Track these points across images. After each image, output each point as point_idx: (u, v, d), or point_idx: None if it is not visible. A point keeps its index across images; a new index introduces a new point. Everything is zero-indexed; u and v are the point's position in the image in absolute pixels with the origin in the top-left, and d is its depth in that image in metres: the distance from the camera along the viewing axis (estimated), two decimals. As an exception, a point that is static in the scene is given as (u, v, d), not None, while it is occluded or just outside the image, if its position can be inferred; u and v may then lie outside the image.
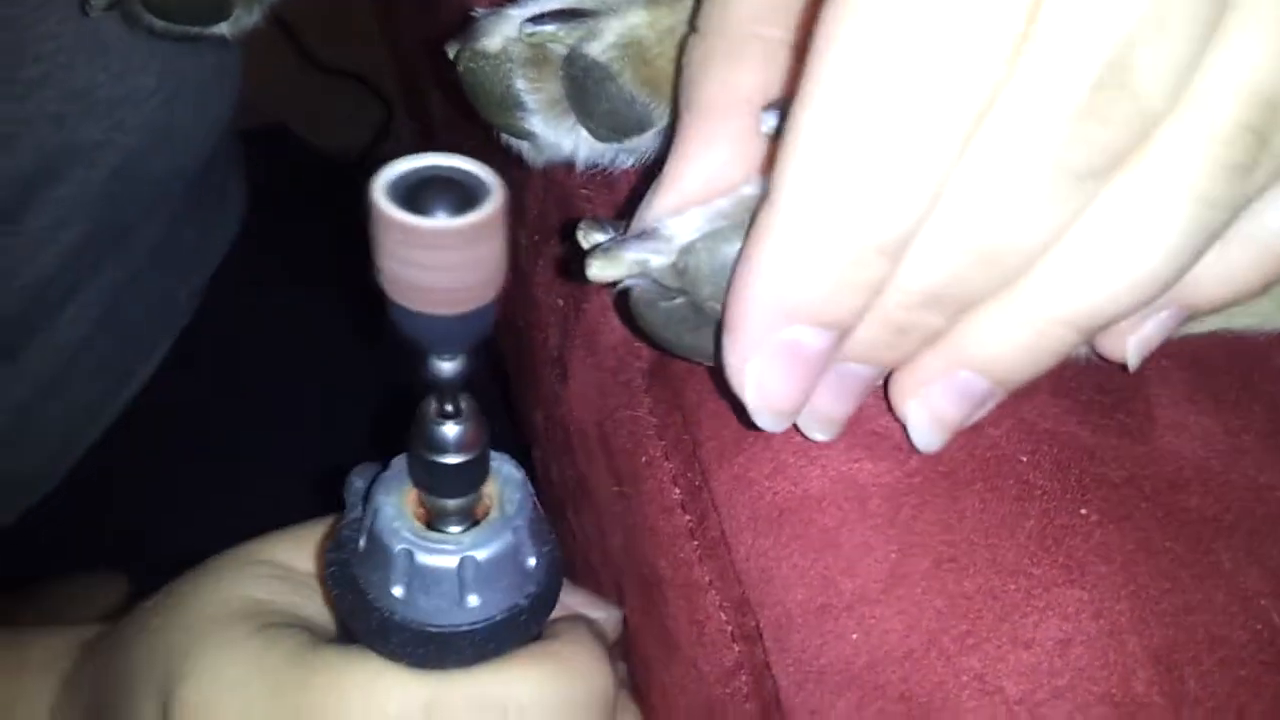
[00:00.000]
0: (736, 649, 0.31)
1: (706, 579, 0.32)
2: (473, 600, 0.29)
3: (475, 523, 0.29)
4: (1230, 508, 0.28)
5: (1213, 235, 0.23)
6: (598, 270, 0.27)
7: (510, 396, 0.56)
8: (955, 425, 0.27)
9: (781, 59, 0.27)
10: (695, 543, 0.32)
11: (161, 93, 0.55)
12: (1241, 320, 0.31)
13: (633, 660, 0.38)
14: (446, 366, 0.24)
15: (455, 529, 0.29)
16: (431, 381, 0.25)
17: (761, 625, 0.30)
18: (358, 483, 0.31)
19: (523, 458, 0.50)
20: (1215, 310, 0.26)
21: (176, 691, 0.31)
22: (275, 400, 0.69)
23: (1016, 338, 0.25)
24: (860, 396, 0.27)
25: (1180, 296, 0.25)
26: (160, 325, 0.68)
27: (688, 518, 0.33)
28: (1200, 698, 0.26)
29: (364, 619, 0.30)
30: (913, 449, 0.29)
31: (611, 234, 0.28)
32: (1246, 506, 0.28)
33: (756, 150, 0.27)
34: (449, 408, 0.26)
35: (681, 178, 0.27)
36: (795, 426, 0.30)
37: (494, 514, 0.29)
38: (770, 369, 0.25)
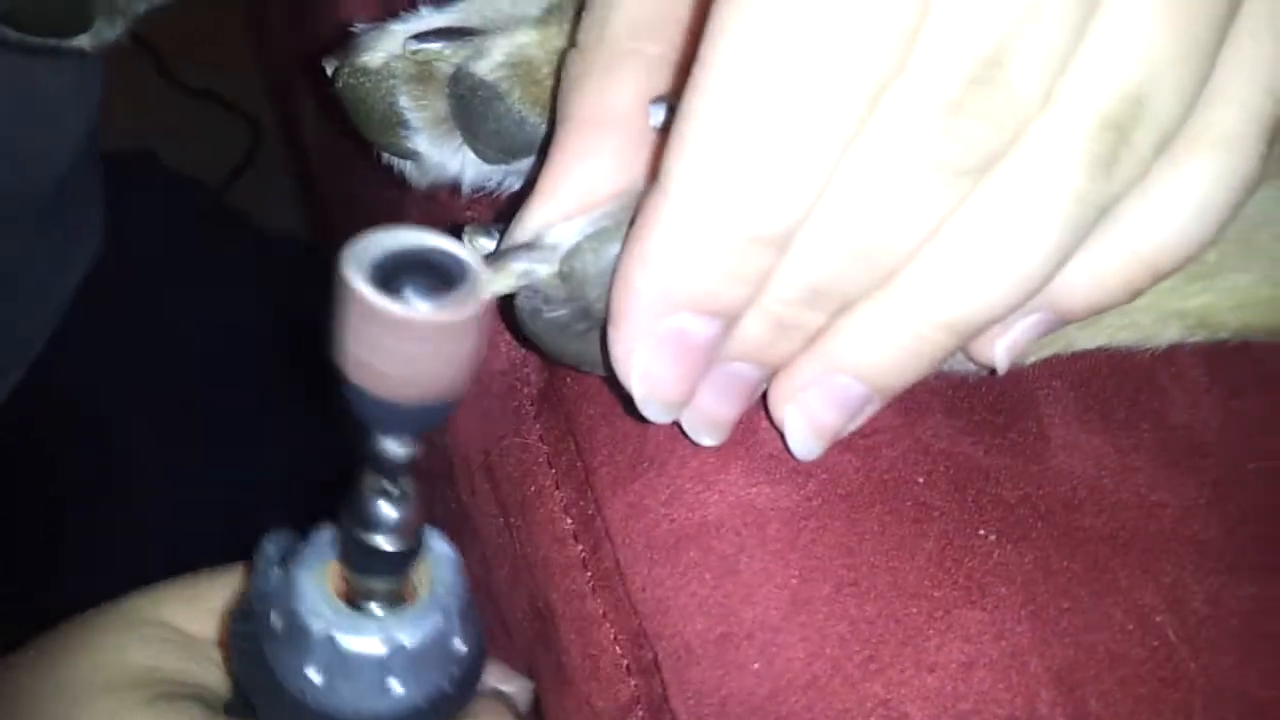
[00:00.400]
0: (632, 683, 0.30)
1: (600, 611, 0.31)
2: (396, 687, 0.27)
3: (400, 601, 0.27)
4: (1124, 526, 0.28)
5: (1082, 233, 0.23)
6: (485, 284, 0.26)
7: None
8: (833, 433, 0.27)
9: (661, 75, 0.26)
10: (588, 574, 0.31)
11: (11, 105, 0.52)
12: (1124, 336, 0.31)
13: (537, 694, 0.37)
14: (395, 449, 0.23)
15: (380, 609, 0.27)
16: (375, 460, 0.23)
17: (659, 657, 0.29)
18: (270, 548, 0.29)
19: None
20: (1085, 316, 0.26)
21: None
22: (133, 434, 0.66)
23: (892, 341, 0.25)
24: (746, 398, 0.27)
25: (1050, 301, 0.25)
26: (9, 354, 0.65)
27: (580, 548, 0.32)
28: (1102, 717, 0.26)
29: (273, 701, 0.27)
30: (811, 472, 0.29)
31: (497, 238, 0.27)
32: (1139, 524, 0.28)
33: (634, 162, 0.26)
34: (390, 488, 0.24)
35: (557, 189, 0.26)
36: (691, 452, 0.30)
37: (423, 594, 0.27)
38: (656, 357, 0.25)
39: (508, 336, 0.36)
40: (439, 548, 0.28)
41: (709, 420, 0.27)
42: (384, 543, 0.25)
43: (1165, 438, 0.30)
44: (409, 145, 0.32)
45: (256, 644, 0.28)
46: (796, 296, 0.24)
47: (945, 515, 0.28)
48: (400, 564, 0.26)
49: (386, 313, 0.19)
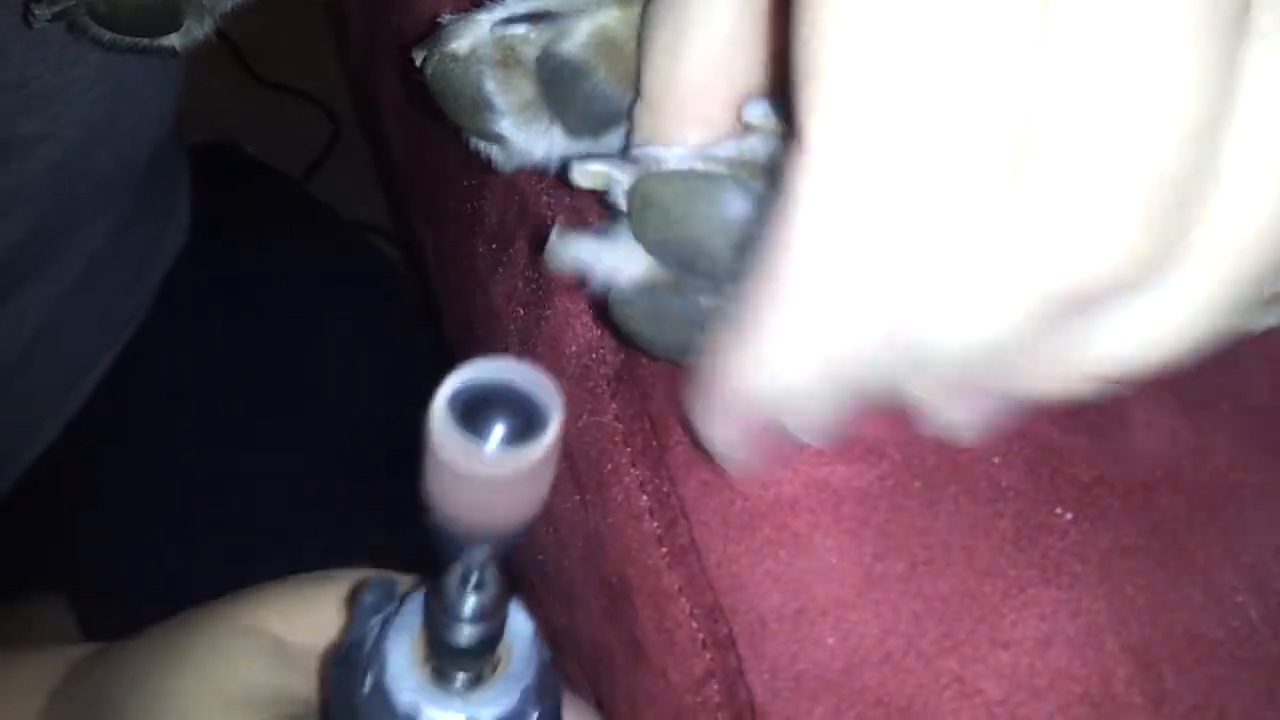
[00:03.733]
0: (707, 656, 0.30)
1: (676, 586, 0.31)
2: None
3: (484, 671, 0.28)
4: (1202, 506, 0.28)
5: None
6: (576, 174, 0.27)
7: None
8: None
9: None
10: (664, 550, 0.32)
11: (101, 86, 0.54)
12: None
13: (596, 670, 0.38)
14: (479, 552, 0.24)
15: (464, 681, 0.28)
16: (460, 558, 0.25)
17: (734, 632, 0.29)
18: (366, 600, 0.30)
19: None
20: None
21: None
22: (221, 419, 0.68)
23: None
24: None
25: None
26: (102, 338, 0.67)
27: (656, 524, 0.32)
28: (1180, 695, 0.26)
29: None
30: (884, 452, 0.29)
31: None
32: (1218, 504, 0.28)
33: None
34: (472, 581, 0.25)
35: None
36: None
37: (502, 669, 0.28)
38: (735, 433, 0.25)
39: (584, 318, 0.36)
40: (516, 622, 0.28)
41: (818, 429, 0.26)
42: (465, 633, 0.26)
43: (1245, 418, 0.30)
44: (495, 129, 0.33)
45: (350, 698, 0.29)
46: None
47: (1020, 494, 0.28)
48: (480, 651, 0.27)
49: (457, 464, 0.20)
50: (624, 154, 0.27)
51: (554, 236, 0.27)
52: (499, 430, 0.20)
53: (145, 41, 0.47)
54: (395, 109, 0.56)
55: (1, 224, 0.54)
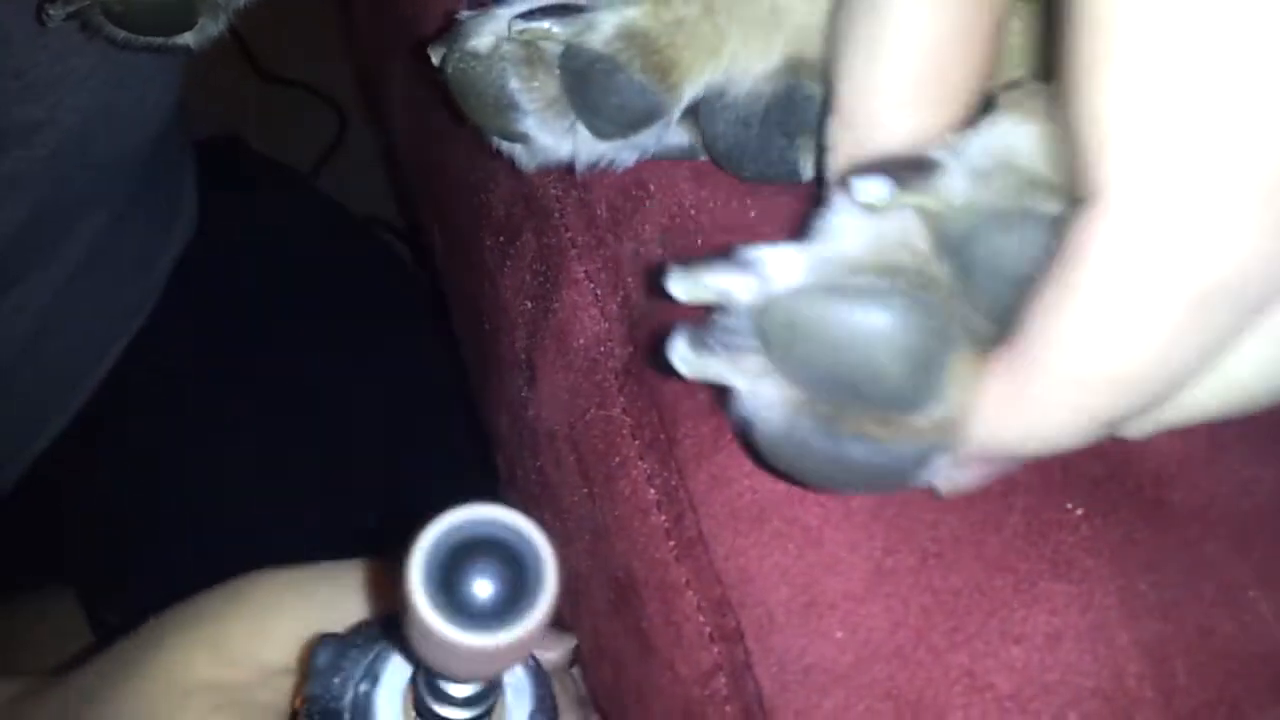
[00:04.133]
0: (715, 650, 0.30)
1: (684, 579, 0.31)
2: None
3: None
4: (1215, 502, 0.28)
5: None
6: (678, 287, 0.23)
7: (473, 398, 0.55)
8: None
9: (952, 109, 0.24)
10: (672, 543, 0.32)
11: (100, 74, 0.54)
12: None
13: (602, 664, 0.38)
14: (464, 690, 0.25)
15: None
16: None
17: (743, 625, 0.29)
18: (322, 659, 0.30)
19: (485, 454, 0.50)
20: None
21: None
22: (227, 414, 0.68)
23: None
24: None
25: None
26: (107, 331, 0.67)
27: (664, 518, 0.32)
28: (1191, 690, 0.26)
29: None
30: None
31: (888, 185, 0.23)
32: (1231, 500, 0.28)
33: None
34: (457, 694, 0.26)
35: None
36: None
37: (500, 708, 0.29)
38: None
39: (591, 311, 0.36)
40: (518, 678, 0.29)
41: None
42: (456, 715, 0.26)
43: (1259, 414, 0.29)
44: (519, 128, 0.32)
45: None
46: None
47: (1031, 489, 0.28)
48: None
49: (443, 636, 0.19)
50: (733, 259, 0.23)
51: (679, 345, 0.24)
52: (485, 586, 0.19)
53: (160, 40, 0.47)
54: (403, 102, 0.56)
55: (4, 210, 0.54)
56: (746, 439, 0.24)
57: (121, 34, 0.46)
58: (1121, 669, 0.26)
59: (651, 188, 0.35)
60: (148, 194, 0.66)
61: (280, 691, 0.35)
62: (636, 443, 0.33)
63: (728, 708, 0.30)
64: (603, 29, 0.30)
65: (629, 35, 0.29)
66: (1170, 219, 0.19)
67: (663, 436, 0.32)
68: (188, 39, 0.48)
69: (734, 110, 0.30)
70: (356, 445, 0.69)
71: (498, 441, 0.48)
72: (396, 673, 0.28)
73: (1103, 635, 0.26)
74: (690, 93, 0.30)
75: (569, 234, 0.38)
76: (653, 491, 0.32)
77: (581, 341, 0.37)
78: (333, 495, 0.64)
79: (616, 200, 0.36)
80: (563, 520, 0.39)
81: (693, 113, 0.31)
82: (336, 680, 0.29)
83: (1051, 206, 0.22)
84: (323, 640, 0.30)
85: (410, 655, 0.27)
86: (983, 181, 0.23)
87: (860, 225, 0.23)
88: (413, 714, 0.28)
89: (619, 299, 0.35)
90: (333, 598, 0.36)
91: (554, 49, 0.30)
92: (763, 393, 0.23)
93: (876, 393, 0.23)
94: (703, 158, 0.33)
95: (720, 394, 0.26)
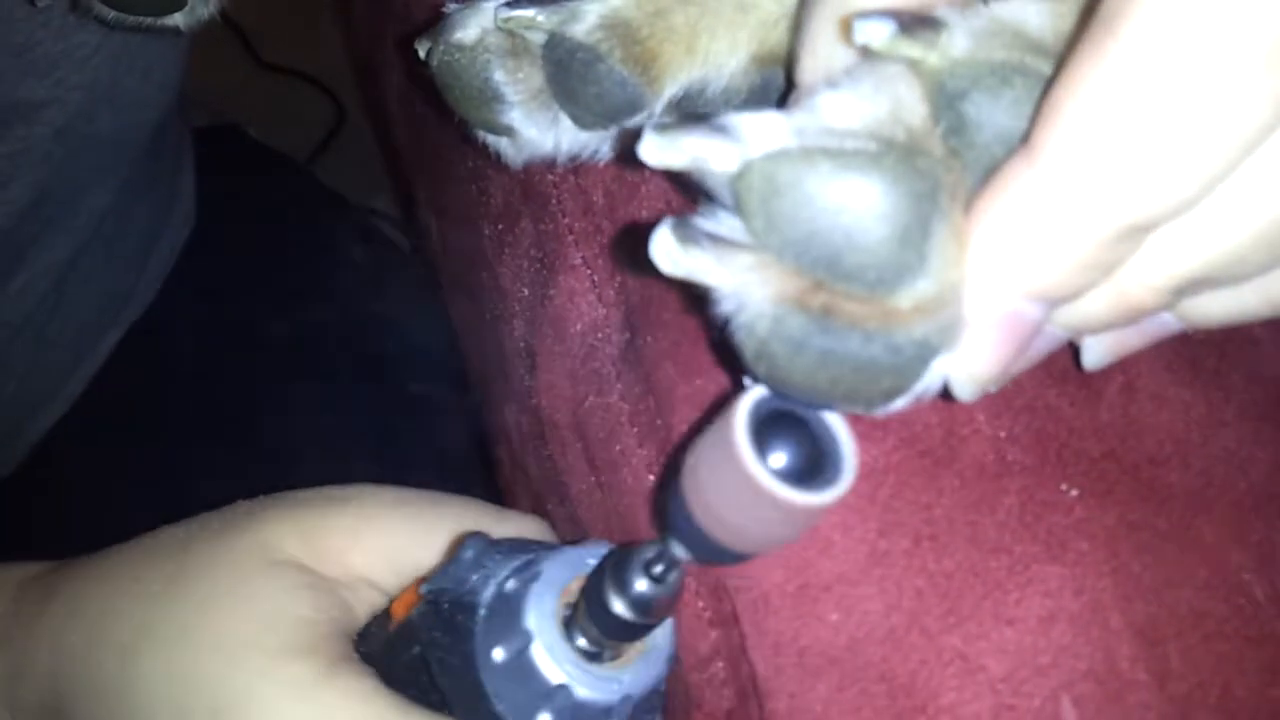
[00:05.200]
0: (713, 634, 0.30)
1: (681, 565, 0.31)
2: None
3: (619, 654, 0.28)
4: (1211, 482, 0.28)
5: None
6: (651, 149, 0.22)
7: (475, 396, 0.55)
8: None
9: None
10: (669, 528, 0.32)
11: (103, 51, 0.54)
12: None
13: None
14: (686, 556, 0.24)
15: (607, 660, 0.28)
16: (659, 549, 0.25)
17: (738, 609, 0.29)
18: (469, 554, 0.29)
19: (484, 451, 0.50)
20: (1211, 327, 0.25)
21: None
22: (224, 402, 0.68)
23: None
24: (1019, 353, 0.24)
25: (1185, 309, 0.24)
26: (108, 313, 0.67)
27: (661, 503, 0.32)
28: (1184, 673, 0.26)
29: (469, 705, 0.28)
30: (889, 427, 0.29)
31: (891, 26, 0.22)
32: (1227, 480, 0.28)
33: None
34: (660, 570, 0.25)
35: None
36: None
37: (636, 660, 0.28)
38: (984, 338, 0.23)
39: (588, 297, 0.36)
40: (660, 640, 0.29)
41: (1000, 377, 0.24)
42: (636, 617, 0.25)
43: (1257, 391, 0.29)
44: (505, 121, 0.32)
45: (473, 669, 0.28)
46: (1169, 285, 0.22)
47: (1027, 470, 0.28)
48: (635, 632, 0.26)
49: (767, 488, 0.20)
50: (708, 121, 0.22)
51: (663, 238, 0.22)
52: (783, 457, 0.21)
53: (150, 20, 0.47)
54: (399, 92, 0.56)
55: (9, 188, 0.55)
56: (730, 344, 0.23)
57: (111, 14, 0.46)
58: (1114, 651, 0.26)
59: (648, 173, 0.35)
60: (149, 176, 0.66)
61: (362, 600, 0.34)
62: (635, 430, 0.33)
63: (725, 690, 0.30)
64: (586, 19, 0.30)
65: (611, 25, 0.29)
66: None
67: (660, 422, 0.32)
68: (178, 20, 0.48)
69: (714, 105, 0.30)
70: (355, 436, 0.69)
71: (502, 434, 0.48)
72: (553, 578, 0.28)
73: (1096, 618, 0.26)
74: (671, 88, 0.30)
75: (566, 220, 0.38)
76: (652, 478, 0.33)
77: (579, 328, 0.37)
78: (333, 481, 0.64)
79: (613, 186, 0.36)
80: (574, 507, 0.39)
81: (676, 107, 0.31)
82: (476, 576, 0.29)
83: (1044, 66, 0.22)
84: (472, 535, 0.30)
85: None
86: (984, 40, 0.22)
87: (848, 98, 0.22)
88: (562, 619, 0.27)
89: (616, 285, 0.35)
90: (432, 524, 0.35)
91: (538, 40, 0.30)
92: (749, 289, 0.22)
93: (860, 264, 0.21)
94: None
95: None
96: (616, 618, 0.26)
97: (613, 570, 0.26)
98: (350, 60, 0.81)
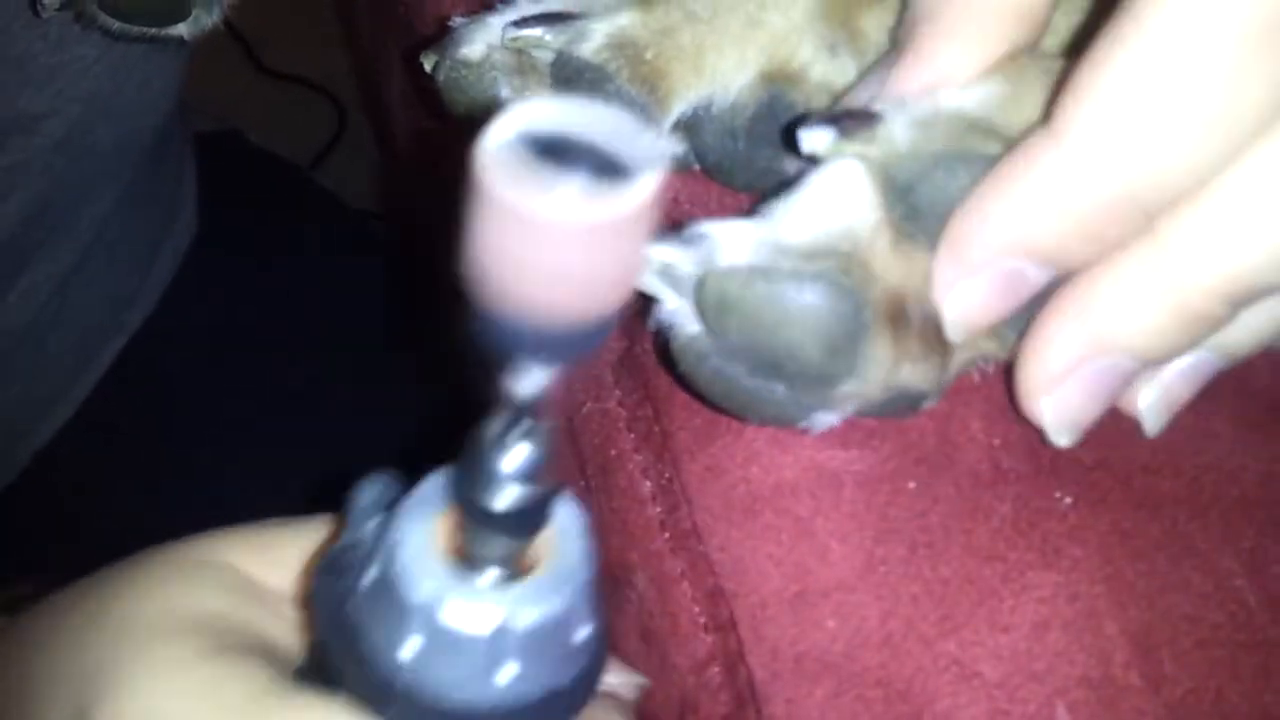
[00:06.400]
0: (709, 640, 0.31)
1: (679, 570, 0.31)
2: (503, 675, 0.22)
3: (515, 575, 0.22)
4: (1203, 490, 0.28)
5: None
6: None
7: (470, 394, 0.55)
8: (1182, 405, 0.27)
9: None
10: (666, 534, 0.32)
11: (103, 63, 0.54)
12: None
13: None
14: (532, 381, 0.19)
15: (492, 579, 0.22)
16: (505, 396, 0.19)
17: (735, 615, 0.29)
18: (366, 495, 0.25)
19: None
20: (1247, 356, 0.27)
21: (95, 711, 0.26)
22: (226, 409, 0.68)
23: (1255, 317, 0.25)
24: (1114, 399, 0.26)
25: (1217, 341, 0.26)
26: (111, 320, 0.67)
27: (659, 509, 0.32)
28: (1178, 678, 0.26)
29: (356, 675, 0.23)
30: (885, 435, 0.29)
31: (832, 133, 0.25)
32: (1219, 489, 0.28)
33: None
34: (520, 430, 0.20)
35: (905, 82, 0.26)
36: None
37: (544, 568, 0.23)
38: (982, 290, 0.25)
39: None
40: (564, 512, 0.23)
41: (1075, 420, 0.26)
42: (507, 494, 0.21)
43: (1247, 403, 0.30)
44: None
45: (343, 607, 0.24)
46: (1226, 289, 0.23)
47: (1021, 478, 0.28)
48: (523, 523, 0.22)
49: (527, 211, 0.15)
50: (682, 234, 0.25)
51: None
52: (577, 182, 0.15)
53: (153, 30, 0.48)
54: (402, 100, 0.57)
55: (9, 200, 0.55)
56: (665, 347, 0.26)
57: (115, 24, 0.46)
58: (1109, 657, 0.26)
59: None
60: (150, 183, 0.67)
61: (285, 620, 0.30)
62: (632, 435, 0.34)
63: (721, 695, 0.30)
64: (594, 38, 0.30)
65: (619, 44, 0.29)
66: None
67: (657, 429, 0.33)
68: (181, 29, 0.48)
69: (720, 122, 0.31)
70: (357, 442, 0.69)
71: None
72: (431, 500, 0.23)
73: (1090, 624, 0.26)
74: (679, 106, 0.30)
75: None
76: (648, 484, 0.33)
77: (577, 335, 0.37)
78: (335, 493, 0.65)
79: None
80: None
81: (684, 124, 0.31)
82: (368, 521, 0.25)
83: (992, 147, 0.24)
84: (368, 478, 0.26)
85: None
86: (924, 129, 0.25)
87: (802, 209, 0.25)
88: (448, 547, 0.23)
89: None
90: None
91: (545, 57, 0.31)
92: (688, 319, 0.25)
93: (796, 370, 0.24)
94: (695, 168, 0.33)
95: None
96: (480, 508, 0.21)
97: (476, 448, 0.21)
98: (353, 66, 0.82)
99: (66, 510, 0.66)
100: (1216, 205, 0.23)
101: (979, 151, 0.25)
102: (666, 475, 0.32)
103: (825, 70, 0.31)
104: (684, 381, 0.27)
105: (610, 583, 0.35)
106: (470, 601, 0.22)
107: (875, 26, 0.30)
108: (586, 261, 0.16)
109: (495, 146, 0.15)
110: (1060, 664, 0.26)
